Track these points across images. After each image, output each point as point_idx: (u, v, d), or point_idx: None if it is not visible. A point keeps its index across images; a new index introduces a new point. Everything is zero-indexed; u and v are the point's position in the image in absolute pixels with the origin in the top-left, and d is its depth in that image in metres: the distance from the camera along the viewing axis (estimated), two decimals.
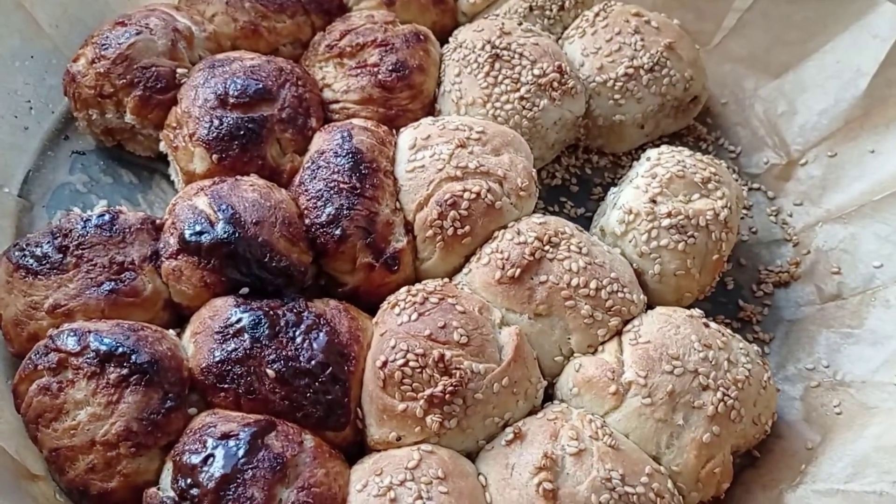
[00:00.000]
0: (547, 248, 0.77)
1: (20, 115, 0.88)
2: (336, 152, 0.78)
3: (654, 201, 0.81)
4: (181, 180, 0.84)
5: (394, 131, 0.85)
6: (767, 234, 0.95)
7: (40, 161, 0.87)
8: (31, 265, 0.72)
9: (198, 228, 0.73)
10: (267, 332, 0.70)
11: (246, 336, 0.69)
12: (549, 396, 0.76)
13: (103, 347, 0.67)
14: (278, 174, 0.81)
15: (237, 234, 0.72)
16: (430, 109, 0.91)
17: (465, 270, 0.78)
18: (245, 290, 0.73)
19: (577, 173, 0.98)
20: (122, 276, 0.72)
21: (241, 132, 0.79)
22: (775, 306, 0.90)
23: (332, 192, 0.76)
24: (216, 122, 0.80)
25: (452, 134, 0.81)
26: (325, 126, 0.83)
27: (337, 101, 0.88)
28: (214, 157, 0.79)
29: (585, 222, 0.92)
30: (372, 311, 0.77)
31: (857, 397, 0.80)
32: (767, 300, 0.90)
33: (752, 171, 1.00)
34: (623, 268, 0.79)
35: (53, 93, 0.89)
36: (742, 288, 0.91)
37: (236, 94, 0.81)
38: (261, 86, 0.81)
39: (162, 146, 0.85)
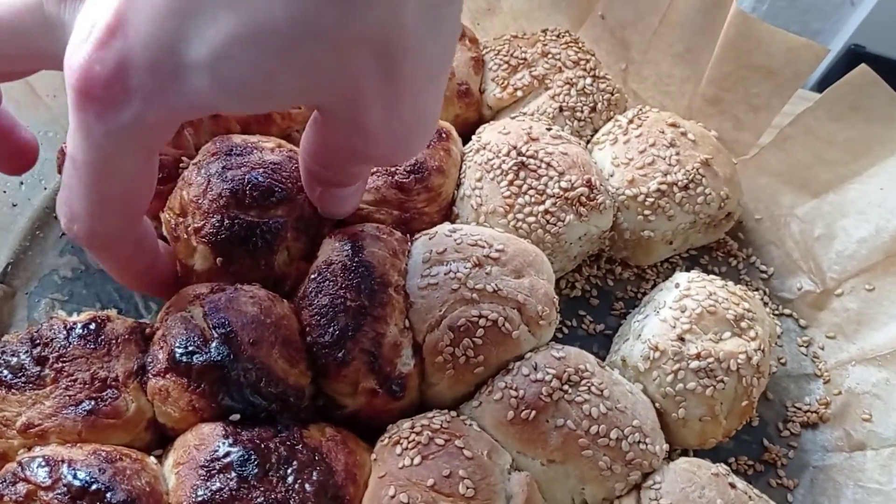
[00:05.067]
0: (566, 387, 0.71)
1: (9, 190, 0.82)
2: (345, 265, 0.73)
3: (682, 339, 0.76)
4: (178, 271, 0.78)
5: (408, 236, 0.79)
6: (797, 366, 0.89)
7: (27, 242, 0.81)
8: (6, 377, 0.66)
9: (190, 347, 0.67)
10: (256, 470, 0.64)
11: (233, 474, 0.63)
12: None
13: (76, 483, 0.60)
14: (282, 282, 0.76)
15: (231, 357, 0.66)
16: (448, 212, 0.85)
17: (474, 402, 0.73)
18: (236, 416, 0.67)
19: (598, 284, 0.92)
20: (104, 394, 0.66)
21: (253, 238, 0.73)
22: (801, 449, 0.84)
23: (338, 309, 0.71)
24: (227, 223, 0.73)
25: (470, 250, 0.75)
26: (335, 232, 0.77)
27: None
28: (219, 260, 0.73)
29: (605, 340, 0.87)
30: (372, 433, 0.72)
31: None
32: (794, 441, 0.84)
33: (784, 295, 0.94)
34: (646, 412, 0.73)
35: (47, 167, 0.83)
36: (768, 425, 0.85)
37: (255, 194, 0.74)
38: (282, 189, 0.74)
39: (164, 232, 0.79)
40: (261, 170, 0.76)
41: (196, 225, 0.74)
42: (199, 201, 0.74)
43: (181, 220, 0.75)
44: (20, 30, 0.55)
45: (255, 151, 0.78)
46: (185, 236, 0.75)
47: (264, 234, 0.74)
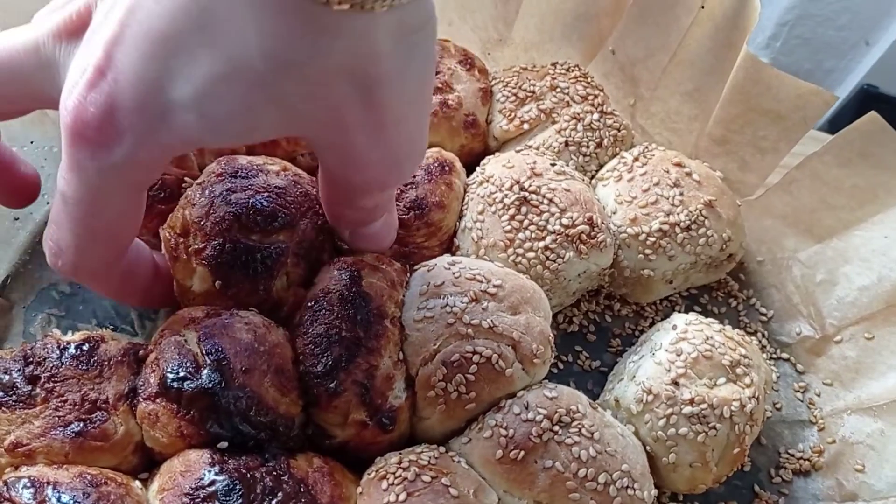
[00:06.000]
0: (556, 428, 0.70)
1: None
2: (342, 295, 0.72)
3: (676, 383, 0.75)
4: (174, 290, 0.78)
5: (408, 266, 0.79)
6: (792, 412, 0.89)
7: (27, 256, 0.81)
8: None
9: (181, 373, 0.67)
10: (240, 500, 0.63)
11: (217, 503, 0.64)
12: None
13: None
14: (279, 307, 0.76)
15: (223, 384, 0.66)
16: (449, 244, 0.85)
17: (463, 438, 0.72)
18: (224, 444, 0.67)
19: (595, 320, 0.92)
20: (93, 416, 0.66)
21: (254, 263, 0.73)
22: (792, 496, 0.83)
23: (332, 339, 0.70)
24: (229, 247, 0.73)
25: (468, 284, 0.75)
26: (335, 260, 0.77)
27: None
28: (218, 283, 0.73)
29: (600, 377, 0.87)
30: (361, 463, 0.71)
31: None
32: (785, 489, 0.84)
33: (782, 339, 0.94)
34: (636, 457, 0.73)
35: (51, 183, 0.83)
36: (760, 471, 0.85)
37: (259, 219, 0.74)
38: (285, 214, 0.75)
39: (162, 250, 0.78)
40: (265, 194, 0.76)
41: (197, 246, 0.74)
42: (202, 223, 0.74)
43: (182, 239, 0.75)
44: (16, 71, 0.56)
45: (259, 174, 0.77)
46: (185, 257, 0.75)
47: (265, 259, 0.74)
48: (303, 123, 0.56)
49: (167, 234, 0.76)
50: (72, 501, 0.61)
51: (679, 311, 0.92)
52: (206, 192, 0.75)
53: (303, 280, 0.77)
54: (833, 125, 1.02)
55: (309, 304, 0.73)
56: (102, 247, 0.62)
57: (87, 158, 0.52)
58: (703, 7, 0.94)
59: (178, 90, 0.50)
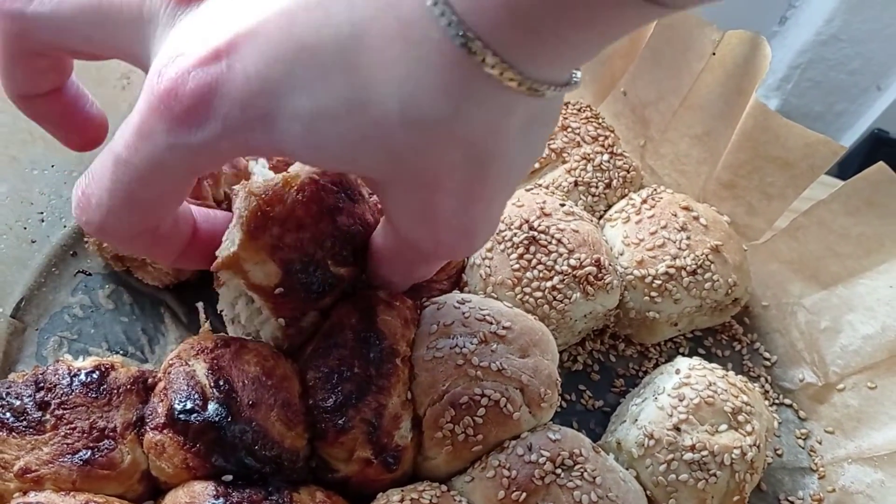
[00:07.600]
0: (559, 471, 0.71)
1: (30, 226, 0.84)
2: (356, 331, 0.73)
3: (678, 429, 0.76)
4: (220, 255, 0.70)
5: (419, 303, 0.80)
6: (793, 458, 0.89)
7: (42, 278, 0.82)
8: (8, 419, 0.67)
9: (189, 405, 0.67)
10: None
11: None
12: None
13: None
14: (301, 332, 0.75)
15: (229, 419, 0.67)
16: (458, 279, 0.86)
17: (466, 477, 0.73)
18: (228, 476, 0.68)
19: (600, 359, 0.92)
20: (101, 444, 0.67)
21: (318, 289, 0.71)
22: None
23: (343, 375, 0.71)
24: (312, 266, 0.70)
25: (478, 325, 0.76)
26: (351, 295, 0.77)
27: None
28: (279, 290, 0.70)
29: (602, 417, 0.87)
30: (363, 499, 0.72)
31: None
32: None
33: (785, 385, 0.94)
34: (636, 502, 0.73)
35: (69, 206, 0.82)
36: None
37: (345, 252, 0.72)
38: (360, 255, 0.73)
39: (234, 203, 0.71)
40: (361, 227, 0.73)
41: (286, 245, 0.69)
42: (304, 230, 0.69)
43: (270, 224, 0.68)
44: (113, 16, 0.53)
45: (361, 202, 0.74)
46: (264, 244, 0.68)
47: (326, 288, 0.72)
48: (401, 173, 0.54)
49: (252, 203, 0.68)
50: None
51: (683, 353, 0.92)
52: (320, 195, 0.70)
53: (326, 311, 0.77)
54: (842, 169, 1.03)
55: (323, 337, 0.74)
56: (135, 216, 0.58)
57: (163, 130, 0.50)
58: (714, 53, 0.96)
59: (294, 99, 0.48)
